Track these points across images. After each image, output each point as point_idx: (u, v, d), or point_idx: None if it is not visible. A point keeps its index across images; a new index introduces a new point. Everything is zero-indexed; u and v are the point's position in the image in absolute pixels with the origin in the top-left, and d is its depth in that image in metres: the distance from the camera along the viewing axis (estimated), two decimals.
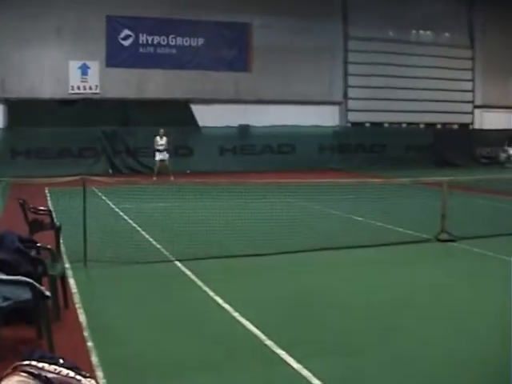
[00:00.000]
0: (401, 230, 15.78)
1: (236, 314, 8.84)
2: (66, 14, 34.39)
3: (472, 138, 43.14)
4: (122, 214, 18.26)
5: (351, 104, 41.45)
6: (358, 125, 41.74)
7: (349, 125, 41.63)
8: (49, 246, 9.67)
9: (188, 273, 11.44)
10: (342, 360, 7.32)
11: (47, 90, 34.78)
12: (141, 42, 36.96)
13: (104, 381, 6.55)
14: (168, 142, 30.66)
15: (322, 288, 10.64)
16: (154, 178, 27.84)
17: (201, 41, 38.03)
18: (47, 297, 7.34)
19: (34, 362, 3.64)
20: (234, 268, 12.00)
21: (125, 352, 7.57)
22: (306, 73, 39.90)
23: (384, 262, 12.74)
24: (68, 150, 33.78)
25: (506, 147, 42.05)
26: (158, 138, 30.60)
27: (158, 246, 13.71)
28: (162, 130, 30.61)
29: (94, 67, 35.79)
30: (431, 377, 6.86)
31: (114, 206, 19.41)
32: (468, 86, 44.41)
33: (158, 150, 30.63)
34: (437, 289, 10.67)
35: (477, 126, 45.00)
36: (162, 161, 30.47)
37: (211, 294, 9.98)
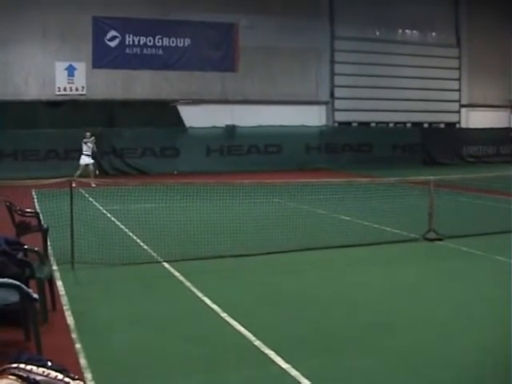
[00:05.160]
0: (388, 229, 15.81)
1: (224, 315, 8.84)
2: (52, 15, 34.25)
3: (459, 137, 43.27)
4: (109, 215, 18.23)
5: (338, 104, 41.49)
6: (344, 124, 41.79)
7: (336, 124, 41.66)
8: (36, 248, 9.64)
9: (176, 274, 11.44)
10: (330, 359, 7.33)
11: (33, 91, 34.66)
12: (127, 42, 36.87)
13: (92, 383, 6.54)
14: (94, 146, 28.50)
15: (311, 288, 10.66)
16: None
17: (187, 41, 37.97)
18: (35, 299, 7.32)
19: (22, 365, 3.64)
20: (222, 268, 12.00)
21: (113, 353, 7.56)
22: (293, 73, 39.95)
23: (372, 261, 12.76)
24: (55, 151, 33.65)
25: None
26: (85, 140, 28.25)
27: (146, 247, 13.69)
28: (88, 133, 28.42)
29: (81, 68, 35.68)
30: (420, 375, 6.88)
31: (101, 208, 19.37)
32: (454, 85, 44.53)
33: (86, 154, 28.24)
34: (425, 288, 10.70)
35: (463, 124, 45.15)
36: (86, 165, 27.99)
37: (199, 294, 9.98)
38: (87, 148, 28.31)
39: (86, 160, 28.18)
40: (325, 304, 9.69)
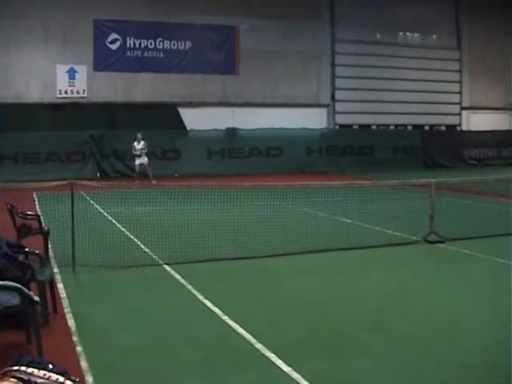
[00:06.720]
0: (389, 231, 15.81)
1: (225, 318, 8.84)
2: (53, 18, 34.29)
3: (460, 140, 43.23)
4: (110, 218, 18.23)
5: (339, 106, 41.49)
6: (345, 127, 41.72)
7: (337, 127, 41.62)
8: (37, 251, 9.63)
9: (177, 276, 11.44)
10: (331, 362, 7.33)
11: (34, 94, 34.65)
12: (128, 45, 36.84)
13: None
14: (146, 146, 30.10)
15: (312, 290, 10.65)
16: (137, 182, 26.61)
17: (188, 44, 37.96)
18: (36, 302, 7.32)
19: (23, 368, 3.64)
20: (223, 271, 12.00)
21: (114, 356, 7.56)
22: (294, 75, 39.94)
23: (372, 263, 12.76)
24: (56, 154, 33.62)
25: None
26: (135, 142, 30.04)
27: (147, 249, 13.69)
28: (139, 135, 30.02)
29: (82, 71, 35.65)
30: (420, 376, 6.88)
31: (102, 210, 19.36)
32: (455, 87, 44.51)
33: (136, 155, 30.12)
34: (425, 290, 10.70)
35: (464, 127, 45.12)
36: (141, 165, 30.01)
37: (200, 297, 9.98)
38: (139, 148, 29.90)
39: (139, 160, 29.99)
40: (326, 307, 9.69)
